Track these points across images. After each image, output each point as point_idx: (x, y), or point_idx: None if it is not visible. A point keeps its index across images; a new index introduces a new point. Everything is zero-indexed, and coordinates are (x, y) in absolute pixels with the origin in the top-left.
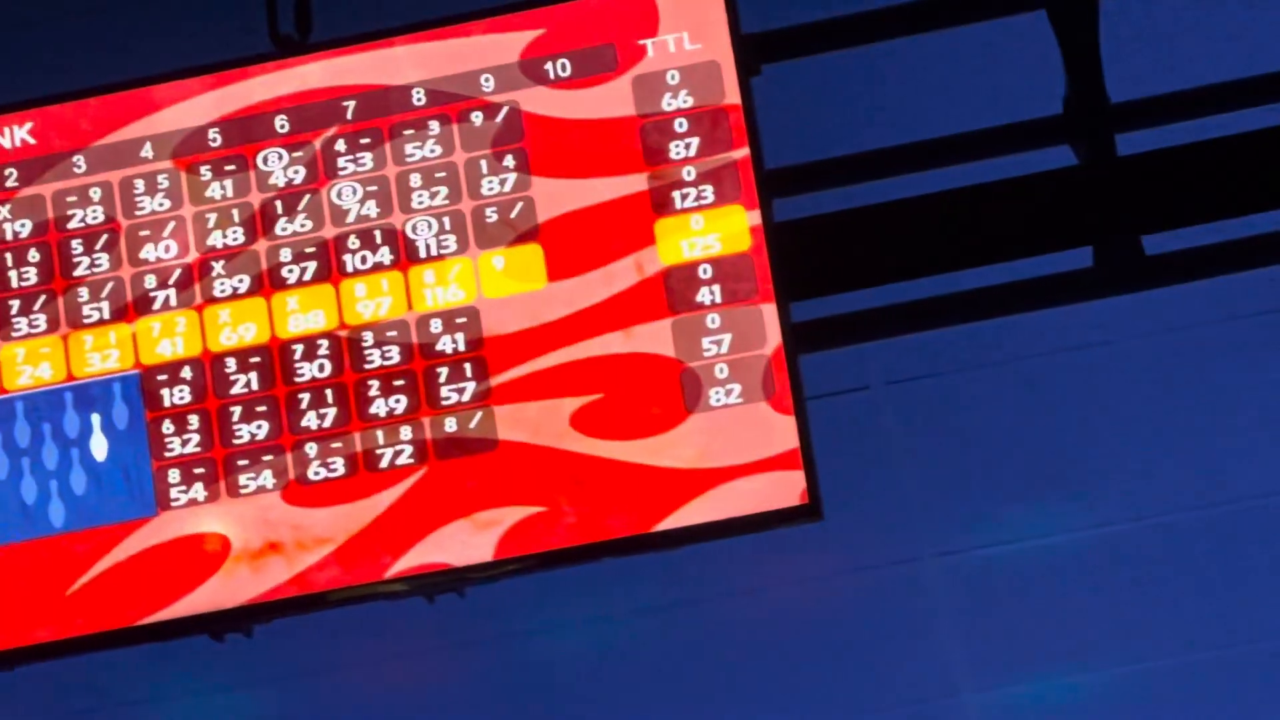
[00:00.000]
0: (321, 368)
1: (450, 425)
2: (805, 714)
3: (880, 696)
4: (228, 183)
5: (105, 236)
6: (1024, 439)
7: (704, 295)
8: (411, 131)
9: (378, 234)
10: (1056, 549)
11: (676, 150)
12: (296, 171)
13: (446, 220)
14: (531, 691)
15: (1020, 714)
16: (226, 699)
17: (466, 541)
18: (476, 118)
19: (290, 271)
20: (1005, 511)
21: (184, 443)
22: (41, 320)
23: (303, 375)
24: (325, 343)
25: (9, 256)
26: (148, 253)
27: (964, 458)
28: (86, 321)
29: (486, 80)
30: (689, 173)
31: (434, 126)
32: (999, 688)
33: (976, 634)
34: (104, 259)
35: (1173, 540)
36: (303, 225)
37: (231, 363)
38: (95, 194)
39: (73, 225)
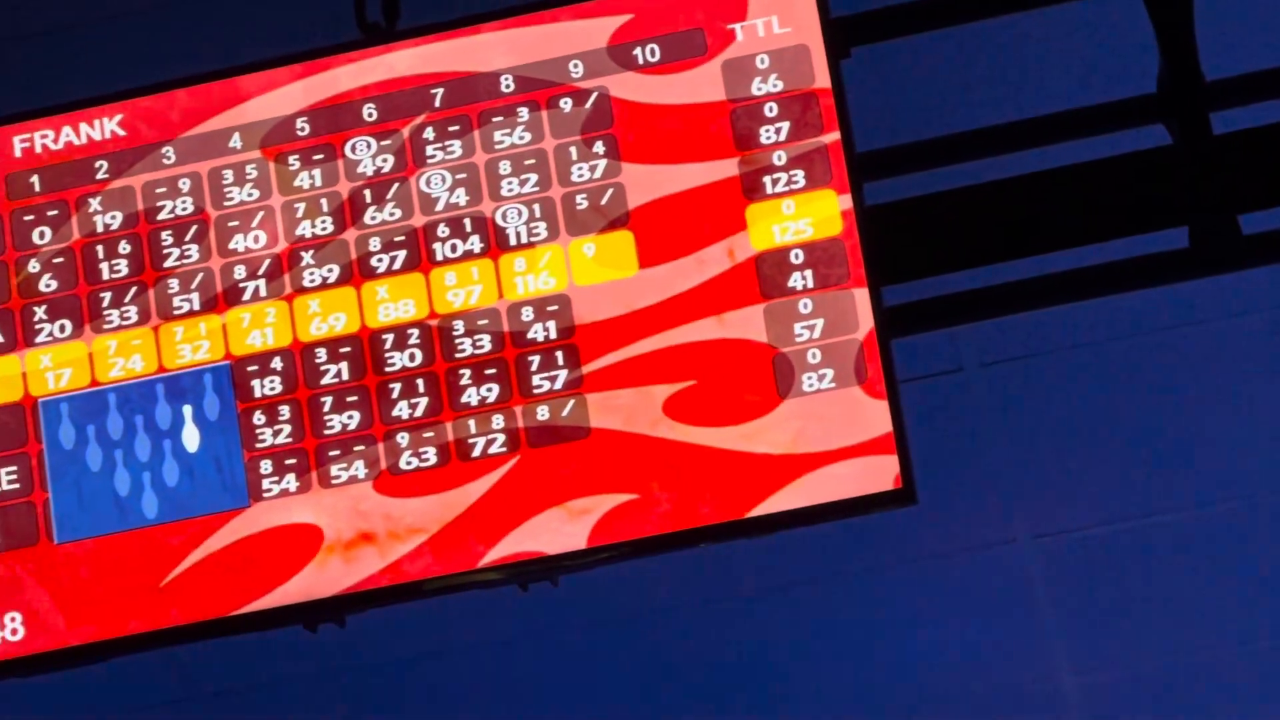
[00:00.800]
0: (412, 357)
1: (542, 413)
2: (901, 697)
3: (977, 680)
4: (316, 172)
5: (195, 227)
6: (1120, 420)
7: (796, 280)
8: (500, 118)
9: (467, 222)
10: (1154, 530)
11: (767, 135)
12: (385, 160)
13: (537, 207)
14: (625, 678)
15: (1121, 698)
16: (320, 688)
17: (559, 530)
18: (566, 104)
19: (380, 261)
20: (1103, 493)
21: (275, 433)
22: (133, 312)
23: (393, 365)
24: (416, 332)
25: (100, 249)
26: (237, 243)
27: (1059, 439)
28: (177, 313)
29: (575, 66)
30: (779, 157)
31: (523, 113)
32: (1098, 671)
33: (1075, 617)
34: (193, 250)
35: (1275, 520)
36: (392, 214)
37: (322, 353)
38: (184, 185)
39: (162, 216)
